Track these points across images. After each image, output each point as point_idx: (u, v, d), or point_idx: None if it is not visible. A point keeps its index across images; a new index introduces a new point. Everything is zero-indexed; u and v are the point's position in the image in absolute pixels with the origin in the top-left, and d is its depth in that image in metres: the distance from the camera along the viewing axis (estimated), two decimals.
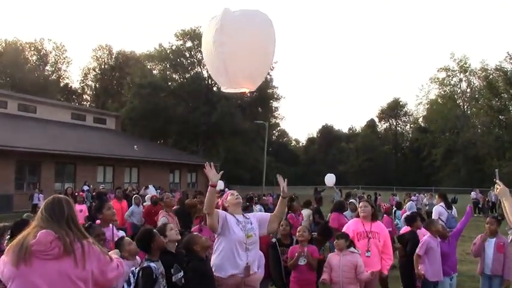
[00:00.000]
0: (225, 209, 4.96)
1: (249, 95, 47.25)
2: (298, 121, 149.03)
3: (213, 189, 4.56)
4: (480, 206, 26.97)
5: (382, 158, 72.76)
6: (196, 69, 55.85)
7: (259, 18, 4.37)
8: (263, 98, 55.61)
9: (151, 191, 21.07)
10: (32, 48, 63.41)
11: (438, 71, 66.11)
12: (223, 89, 4.43)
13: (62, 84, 66.62)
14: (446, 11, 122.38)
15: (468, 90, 65.54)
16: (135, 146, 35.13)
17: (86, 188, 23.32)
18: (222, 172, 4.77)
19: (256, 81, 4.47)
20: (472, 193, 27.99)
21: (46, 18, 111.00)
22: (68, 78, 68.42)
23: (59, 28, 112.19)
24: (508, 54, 57.20)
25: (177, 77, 56.60)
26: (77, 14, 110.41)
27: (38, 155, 25.28)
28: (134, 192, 19.30)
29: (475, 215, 23.49)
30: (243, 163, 54.09)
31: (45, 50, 64.86)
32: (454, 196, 23.49)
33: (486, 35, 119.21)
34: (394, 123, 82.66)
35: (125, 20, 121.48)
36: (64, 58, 66.96)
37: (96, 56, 68.71)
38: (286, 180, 4.88)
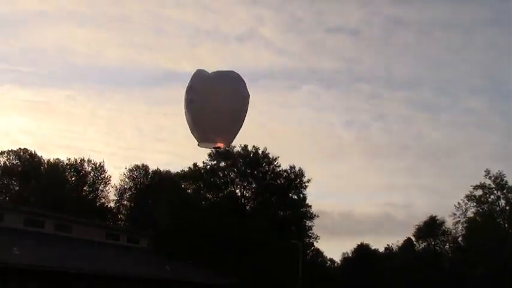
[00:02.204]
0: None
1: (223, 150, 47.38)
2: (332, 239, 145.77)
3: None
4: None
5: (421, 279, 69.50)
6: (229, 188, 56.61)
7: (231, 77, 4.61)
8: (297, 216, 55.29)
9: None
10: (72, 170, 65.77)
11: (474, 188, 65.01)
12: (199, 145, 4.61)
13: (98, 204, 67.92)
14: (479, 129, 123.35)
15: (507, 208, 63.72)
16: (167, 267, 34.75)
17: None
18: None
19: (227, 137, 4.62)
20: None
21: (87, 140, 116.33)
22: (104, 198, 69.91)
23: (99, 149, 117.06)
24: None
25: (210, 196, 57.28)
26: (117, 136, 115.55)
27: (68, 275, 25.16)
28: None
29: None
30: (274, 282, 52.45)
31: (85, 171, 67.14)
32: None
33: None
34: (433, 243, 79.96)
35: (161, 141, 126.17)
36: (102, 179, 68.96)
37: (133, 176, 70.55)
38: None
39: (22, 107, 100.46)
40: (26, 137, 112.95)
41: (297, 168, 57.94)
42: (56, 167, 62.38)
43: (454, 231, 74.53)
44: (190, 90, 4.44)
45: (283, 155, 60.03)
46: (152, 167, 68.63)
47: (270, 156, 57.64)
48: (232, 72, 4.73)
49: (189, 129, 4.81)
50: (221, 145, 4.67)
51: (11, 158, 61.21)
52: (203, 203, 55.36)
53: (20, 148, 62.56)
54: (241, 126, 4.88)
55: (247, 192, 57.57)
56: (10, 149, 61.60)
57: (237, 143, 56.27)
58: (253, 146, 57.25)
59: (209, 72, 4.75)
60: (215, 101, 4.46)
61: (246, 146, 56.59)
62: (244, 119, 4.99)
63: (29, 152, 62.58)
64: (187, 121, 4.57)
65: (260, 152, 57.48)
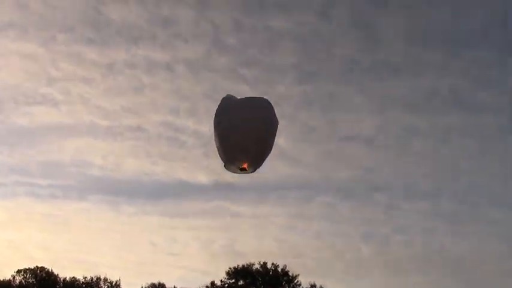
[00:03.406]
0: None
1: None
2: None
3: None
4: None
5: None
6: None
7: (260, 102, 4.69)
8: None
9: None
10: None
11: None
12: (226, 168, 4.55)
13: None
14: None
15: None
16: None
17: None
18: None
19: (254, 158, 4.56)
20: None
21: (101, 255, 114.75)
22: None
23: (113, 264, 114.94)
24: None
25: None
26: (130, 250, 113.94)
27: None
28: None
29: None
30: None
31: None
32: None
33: None
34: None
35: (174, 256, 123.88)
36: None
37: None
38: None
39: (37, 220, 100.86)
40: (41, 252, 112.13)
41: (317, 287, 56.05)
42: (72, 285, 61.21)
43: None
44: (219, 113, 4.69)
45: (302, 271, 58.23)
46: (168, 285, 67.00)
47: (290, 274, 56.12)
48: (262, 98, 5.01)
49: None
50: (247, 166, 4.74)
51: (27, 276, 60.54)
52: None
53: (36, 266, 62.00)
54: (269, 152, 4.99)
55: None
56: (27, 267, 61.10)
57: (256, 260, 55.30)
58: (273, 264, 56.02)
59: (238, 98, 4.98)
60: (243, 122, 4.69)
61: (265, 264, 55.46)
62: (272, 144, 5.11)
63: (46, 270, 61.89)
64: (216, 146, 4.79)
65: (280, 269, 56.08)
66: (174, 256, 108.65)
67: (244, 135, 4.85)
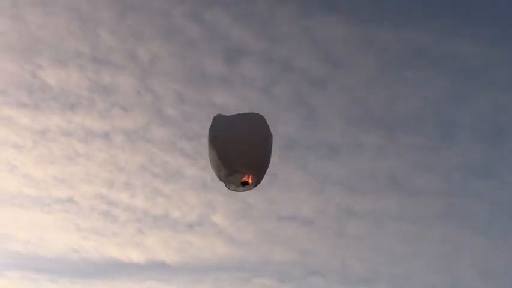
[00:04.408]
0: None
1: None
2: None
3: None
4: None
5: None
6: None
7: (252, 116, 4.45)
8: None
9: None
10: None
11: None
12: (227, 186, 4.19)
13: None
14: None
15: None
16: None
17: None
18: None
19: (256, 171, 4.23)
20: None
21: None
22: None
23: None
24: None
25: None
26: None
27: None
28: None
29: None
30: None
31: None
32: None
33: None
34: None
35: None
36: None
37: None
38: None
39: None
40: None
41: None
42: None
43: None
44: (214, 128, 4.37)
45: None
46: None
47: None
48: (256, 113, 4.83)
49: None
50: (250, 180, 4.38)
51: None
52: None
53: None
54: (268, 164, 4.69)
55: None
56: None
57: None
58: None
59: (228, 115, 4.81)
60: (239, 134, 4.43)
61: None
62: (270, 156, 4.86)
63: None
64: (211, 162, 4.41)
65: None
66: None
67: (244, 147, 4.67)
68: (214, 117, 5.08)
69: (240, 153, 4.87)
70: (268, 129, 5.17)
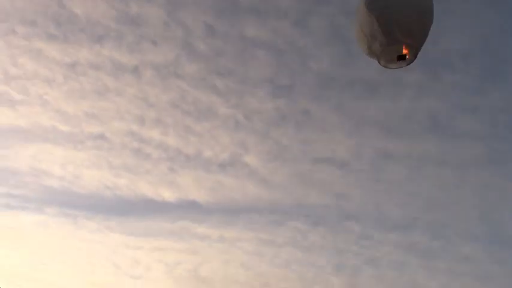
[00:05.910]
0: None
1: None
2: None
3: None
4: None
5: None
6: None
7: None
8: None
9: None
10: None
11: None
12: (379, 60, 3.74)
13: None
14: None
15: None
16: None
17: None
18: None
19: (417, 39, 3.78)
20: None
21: (57, 273, 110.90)
22: None
23: (70, 285, 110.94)
24: None
25: None
26: (91, 270, 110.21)
27: None
28: None
29: None
30: None
31: None
32: None
33: None
34: None
35: (137, 278, 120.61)
36: None
37: None
38: None
39: None
40: None
41: None
42: None
43: None
44: None
45: None
46: None
47: None
48: None
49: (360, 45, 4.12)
50: (407, 52, 3.88)
51: None
52: None
53: None
54: (428, 32, 4.19)
55: None
56: None
57: (220, 287, 53.58)
58: None
59: None
60: (402, 2, 3.95)
61: None
62: (430, 26, 4.33)
63: None
64: (360, 33, 3.89)
65: None
66: (136, 279, 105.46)
67: (410, 14, 4.07)
68: None
69: (404, 20, 4.17)
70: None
